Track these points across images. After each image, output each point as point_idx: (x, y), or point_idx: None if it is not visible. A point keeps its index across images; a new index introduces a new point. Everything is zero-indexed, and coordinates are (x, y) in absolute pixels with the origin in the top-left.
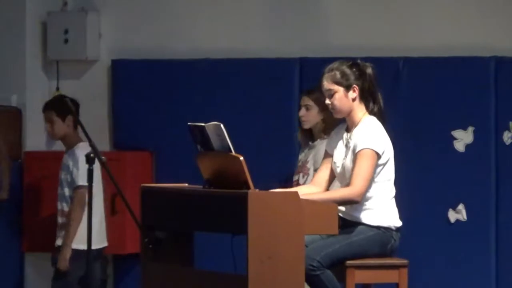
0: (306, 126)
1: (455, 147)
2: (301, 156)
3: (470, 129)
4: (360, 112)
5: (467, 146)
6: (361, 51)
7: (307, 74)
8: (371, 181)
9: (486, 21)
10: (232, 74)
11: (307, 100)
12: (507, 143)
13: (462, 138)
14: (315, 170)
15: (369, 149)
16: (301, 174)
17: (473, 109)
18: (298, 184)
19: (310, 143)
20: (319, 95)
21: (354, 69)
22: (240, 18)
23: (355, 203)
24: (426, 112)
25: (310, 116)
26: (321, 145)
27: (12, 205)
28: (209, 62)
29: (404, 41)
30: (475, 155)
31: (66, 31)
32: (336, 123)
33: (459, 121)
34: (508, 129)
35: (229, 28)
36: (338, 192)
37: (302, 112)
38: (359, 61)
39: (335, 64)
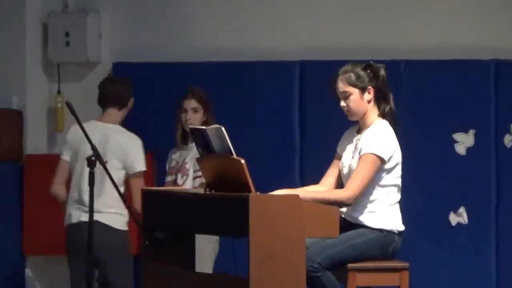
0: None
1: (456, 150)
2: (175, 156)
3: (471, 132)
4: (373, 114)
5: (468, 149)
6: (362, 54)
7: (307, 77)
8: (375, 184)
9: (486, 24)
10: (233, 77)
11: (194, 103)
12: (508, 146)
13: (463, 141)
14: (195, 171)
15: (373, 154)
16: (179, 175)
17: (474, 112)
18: (175, 184)
19: (190, 143)
20: (203, 96)
21: (368, 71)
22: (241, 21)
23: (346, 205)
24: (427, 114)
25: (197, 118)
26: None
27: (13, 208)
28: (209, 64)
29: (405, 44)
30: (476, 158)
31: (67, 33)
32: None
33: (460, 124)
34: (509, 132)
35: (229, 31)
36: (332, 193)
37: (189, 115)
38: (372, 62)
39: (348, 66)
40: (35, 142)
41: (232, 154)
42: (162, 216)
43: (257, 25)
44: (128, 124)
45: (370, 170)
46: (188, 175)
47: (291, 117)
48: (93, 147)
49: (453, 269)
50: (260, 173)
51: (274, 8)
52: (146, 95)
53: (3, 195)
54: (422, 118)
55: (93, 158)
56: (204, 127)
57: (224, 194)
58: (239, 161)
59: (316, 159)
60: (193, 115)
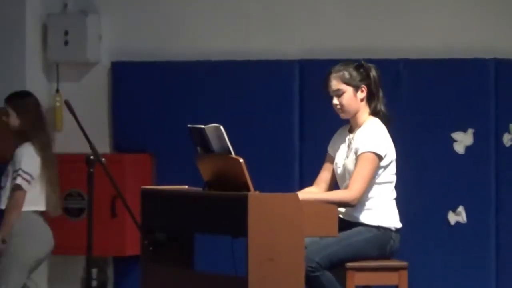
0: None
1: (455, 149)
2: None
3: (470, 131)
4: (364, 113)
5: (467, 148)
6: (361, 53)
7: (307, 77)
8: (372, 182)
9: (486, 23)
10: (232, 76)
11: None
12: (507, 145)
13: (462, 140)
14: (14, 171)
15: (371, 152)
16: (3, 177)
17: (473, 111)
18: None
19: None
20: (16, 101)
21: (361, 70)
22: (240, 20)
23: (350, 206)
24: (426, 114)
25: (11, 121)
26: (18, 149)
27: None
28: (209, 64)
29: (404, 43)
30: (475, 157)
31: (66, 33)
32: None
33: (459, 123)
34: (508, 131)
35: (229, 30)
36: (335, 194)
37: (8, 117)
38: (363, 62)
39: (341, 66)
40: None
41: (231, 153)
42: (161, 216)
43: (257, 25)
44: (126, 124)
45: (371, 168)
46: (8, 176)
47: (291, 117)
48: (92, 146)
49: (452, 268)
50: (260, 173)
51: (274, 8)
52: (145, 95)
53: None
54: (421, 117)
55: (91, 157)
56: (202, 126)
57: (223, 193)
58: (238, 160)
59: (316, 159)
60: (9, 117)
